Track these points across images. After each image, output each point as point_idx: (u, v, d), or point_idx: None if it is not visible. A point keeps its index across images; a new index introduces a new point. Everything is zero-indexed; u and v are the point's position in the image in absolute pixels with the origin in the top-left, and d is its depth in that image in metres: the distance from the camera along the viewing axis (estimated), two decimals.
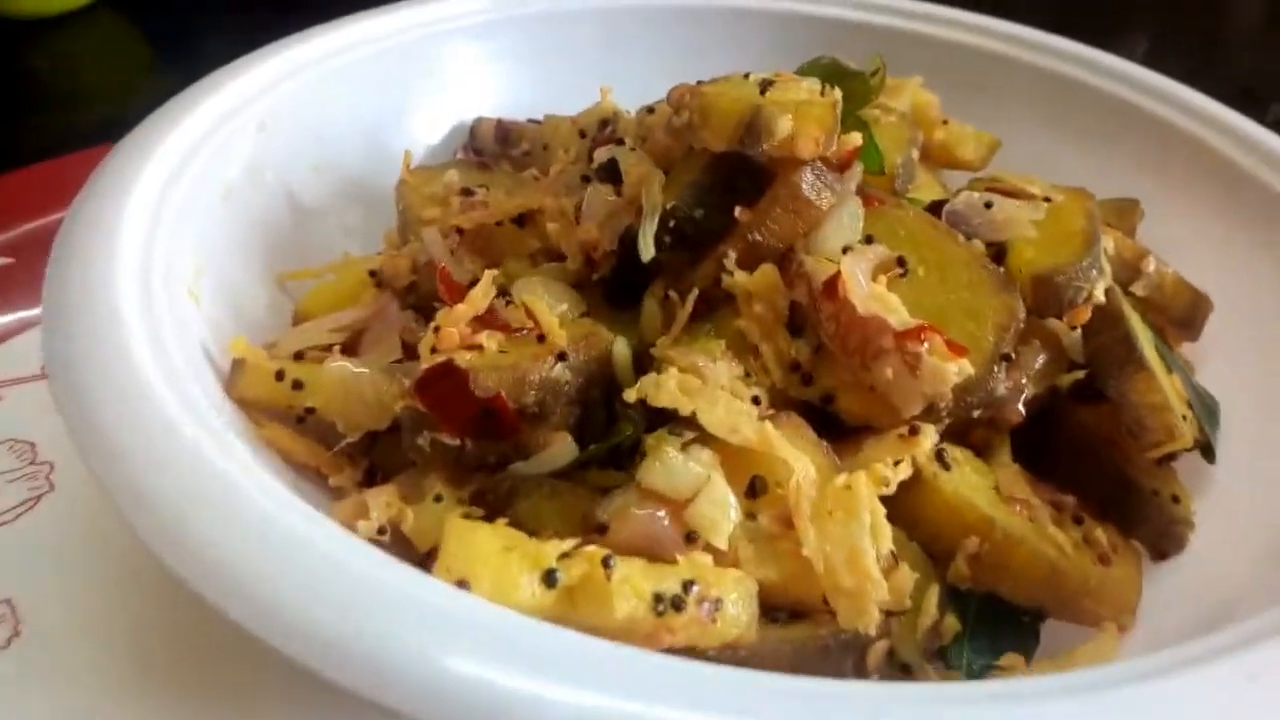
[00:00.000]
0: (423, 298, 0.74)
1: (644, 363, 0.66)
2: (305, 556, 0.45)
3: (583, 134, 0.82)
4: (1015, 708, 0.40)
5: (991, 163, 0.88)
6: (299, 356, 0.68)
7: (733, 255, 0.65)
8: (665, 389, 0.58)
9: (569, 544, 0.50)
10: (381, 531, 0.58)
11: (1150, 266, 0.76)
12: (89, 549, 0.73)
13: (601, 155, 0.73)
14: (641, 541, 0.53)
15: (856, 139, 0.66)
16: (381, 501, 0.59)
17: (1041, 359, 0.68)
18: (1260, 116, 0.89)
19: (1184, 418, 0.65)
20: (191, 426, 0.52)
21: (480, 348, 0.61)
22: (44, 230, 1.01)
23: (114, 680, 0.65)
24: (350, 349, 0.71)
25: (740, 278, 0.64)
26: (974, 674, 0.59)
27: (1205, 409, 0.71)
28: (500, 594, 0.46)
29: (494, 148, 0.94)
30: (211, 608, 0.44)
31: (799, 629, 0.54)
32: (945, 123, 0.88)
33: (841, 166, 0.66)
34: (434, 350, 0.61)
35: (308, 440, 0.65)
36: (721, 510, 0.54)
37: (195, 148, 0.74)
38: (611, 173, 0.72)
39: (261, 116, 0.81)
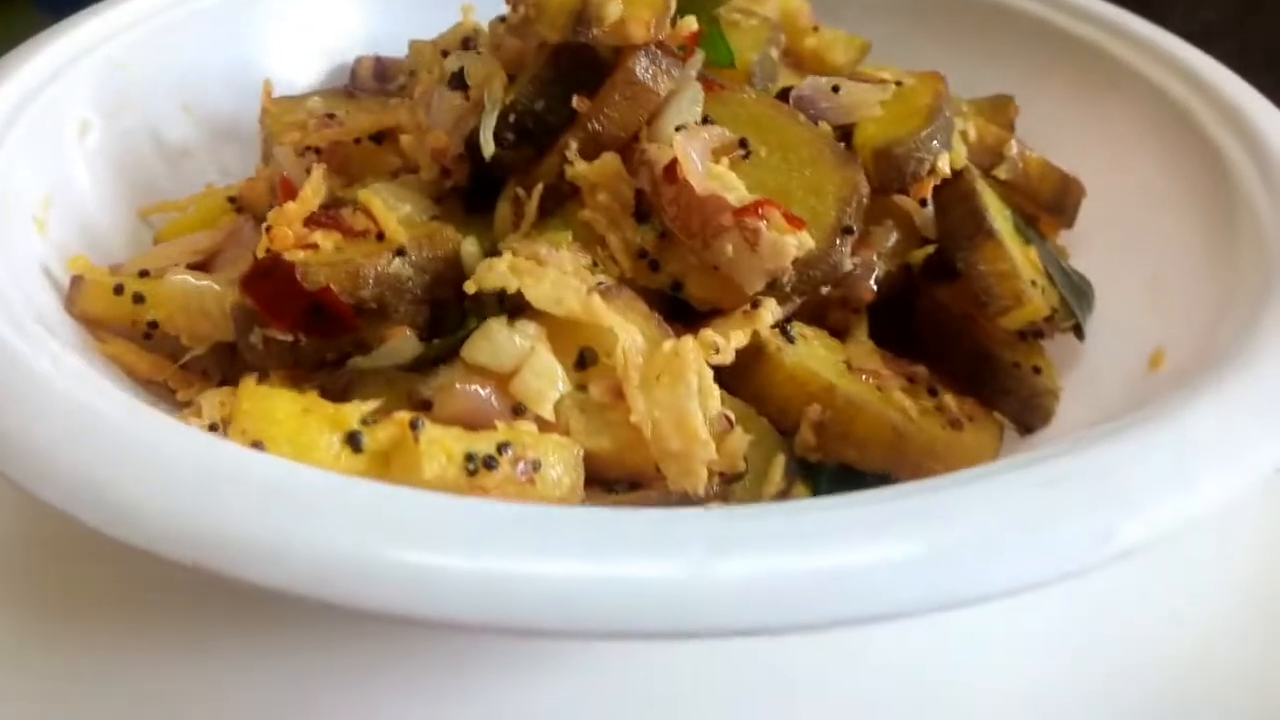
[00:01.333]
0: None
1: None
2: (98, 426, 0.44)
3: (445, 54, 0.82)
4: (803, 515, 0.40)
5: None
6: (144, 275, 0.67)
7: (574, 145, 0.64)
8: (495, 270, 0.57)
9: (371, 405, 0.49)
10: (213, 428, 0.57)
11: (1013, 150, 0.75)
12: None
13: (451, 64, 0.72)
14: (466, 416, 0.53)
15: (692, 24, 0.65)
16: (215, 401, 0.58)
17: (893, 237, 0.68)
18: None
19: (1034, 283, 0.65)
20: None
21: (315, 247, 0.61)
22: None
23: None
24: (203, 269, 0.70)
25: (582, 167, 0.63)
26: None
27: (1073, 288, 0.71)
28: (298, 455, 0.46)
29: (373, 84, 0.94)
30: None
31: (631, 497, 0.53)
32: (816, 29, 0.87)
33: (682, 54, 0.66)
34: (268, 252, 0.60)
35: (154, 355, 0.65)
36: (547, 380, 0.54)
37: (45, 83, 0.73)
38: (461, 82, 0.71)
39: (120, 55, 0.80)
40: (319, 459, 0.46)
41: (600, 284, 0.58)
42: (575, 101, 0.64)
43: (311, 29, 0.94)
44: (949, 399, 0.63)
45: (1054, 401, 0.67)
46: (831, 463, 0.60)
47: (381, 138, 0.76)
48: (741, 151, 0.64)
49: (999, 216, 0.67)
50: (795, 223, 0.60)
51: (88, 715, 0.58)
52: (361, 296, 0.59)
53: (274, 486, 0.39)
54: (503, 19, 0.76)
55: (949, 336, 0.67)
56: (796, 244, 0.59)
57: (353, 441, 0.47)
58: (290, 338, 0.58)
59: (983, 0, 0.93)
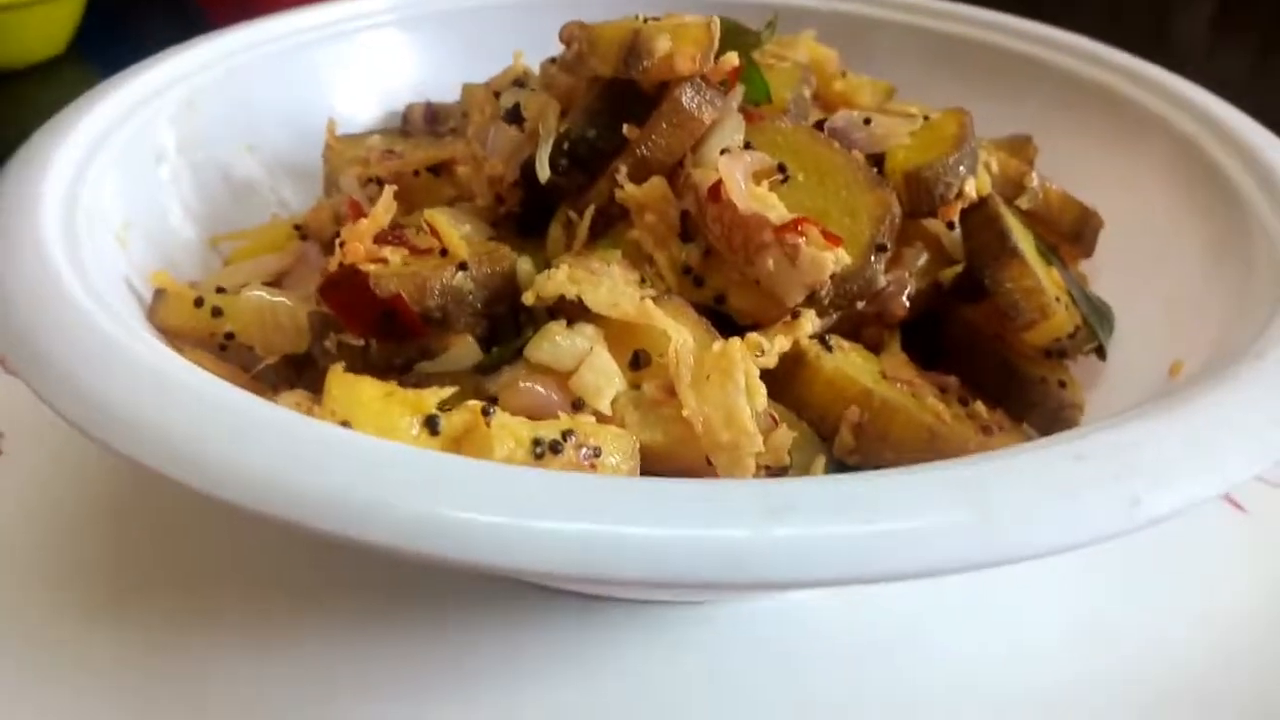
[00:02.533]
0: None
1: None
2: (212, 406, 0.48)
3: (496, 94, 0.87)
4: (840, 486, 0.43)
5: None
6: (220, 290, 0.71)
7: (624, 170, 0.69)
8: (554, 279, 0.61)
9: (448, 392, 0.53)
10: None
11: (1033, 182, 0.80)
12: (40, 515, 0.75)
13: (506, 100, 0.78)
14: (530, 409, 0.56)
15: (733, 59, 0.70)
16: (291, 400, 0.62)
17: (923, 258, 0.72)
18: None
19: (1058, 299, 0.68)
20: (108, 322, 0.55)
21: (384, 261, 0.65)
22: None
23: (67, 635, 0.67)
24: (273, 286, 0.74)
25: (631, 190, 0.68)
26: None
27: (1095, 310, 0.75)
28: (381, 434, 0.49)
29: (423, 128, 0.99)
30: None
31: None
32: (844, 75, 0.93)
33: (724, 88, 0.71)
34: (341, 265, 0.65)
35: (229, 365, 0.69)
36: (605, 377, 0.58)
37: (125, 116, 0.79)
38: (516, 116, 0.76)
39: (190, 95, 0.86)
40: (400, 439, 0.50)
41: (652, 293, 0.62)
42: (625, 129, 0.69)
43: (369, 75, 1.00)
44: (980, 407, 0.67)
45: (1078, 414, 0.70)
46: (869, 465, 0.64)
47: (439, 170, 0.81)
48: (780, 176, 0.69)
49: (1023, 239, 0.71)
50: (833, 240, 0.64)
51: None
52: (428, 306, 0.63)
53: (375, 453, 0.43)
54: (553, 60, 0.82)
55: (978, 352, 0.71)
56: (834, 259, 0.63)
57: (430, 424, 0.51)
58: (362, 342, 0.62)
59: (1002, 47, 0.99)
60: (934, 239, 0.73)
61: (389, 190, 0.67)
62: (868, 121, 0.74)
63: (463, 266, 0.65)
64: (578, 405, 0.57)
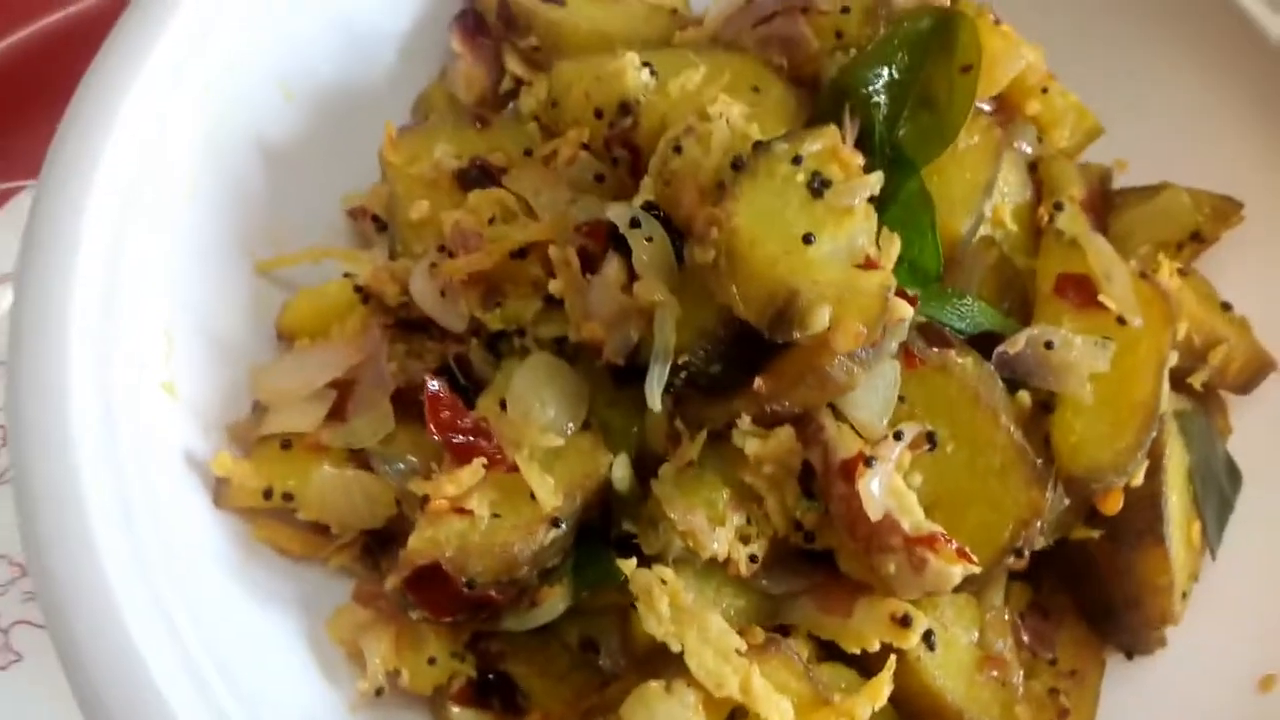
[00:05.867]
0: (413, 314, 0.69)
1: (645, 464, 0.64)
2: None
3: (598, 113, 0.68)
4: None
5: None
6: (286, 446, 0.65)
7: (747, 419, 0.59)
8: (657, 613, 0.57)
9: None
10: (379, 693, 0.61)
11: (1218, 358, 0.68)
12: None
13: (617, 216, 0.61)
14: None
15: (906, 310, 0.56)
16: (379, 654, 0.61)
17: (1063, 507, 0.64)
18: None
19: (1184, 595, 0.64)
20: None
21: (470, 514, 0.59)
22: None
23: None
24: (338, 409, 0.67)
25: (755, 447, 0.59)
26: None
27: (1218, 505, 0.69)
28: None
29: (498, 27, 0.78)
30: None
31: None
32: (1045, 91, 0.71)
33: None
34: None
35: (303, 534, 0.66)
36: None
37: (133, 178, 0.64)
38: (621, 242, 0.62)
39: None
40: None
41: (759, 641, 0.58)
42: (757, 384, 0.57)
43: None
44: (1063, 667, 0.66)
45: (1160, 645, 0.69)
46: None
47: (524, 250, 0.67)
48: (928, 446, 0.59)
49: (1175, 507, 0.64)
50: (965, 557, 0.58)
51: None
52: (517, 577, 0.59)
53: None
54: (677, 147, 0.63)
55: (1086, 582, 0.68)
56: (961, 573, 0.58)
57: None
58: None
59: None
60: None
61: (479, 464, 0.58)
62: (1049, 346, 0.61)
63: (555, 523, 0.60)
64: None
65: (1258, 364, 0.71)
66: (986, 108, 0.71)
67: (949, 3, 0.69)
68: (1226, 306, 0.74)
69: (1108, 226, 0.75)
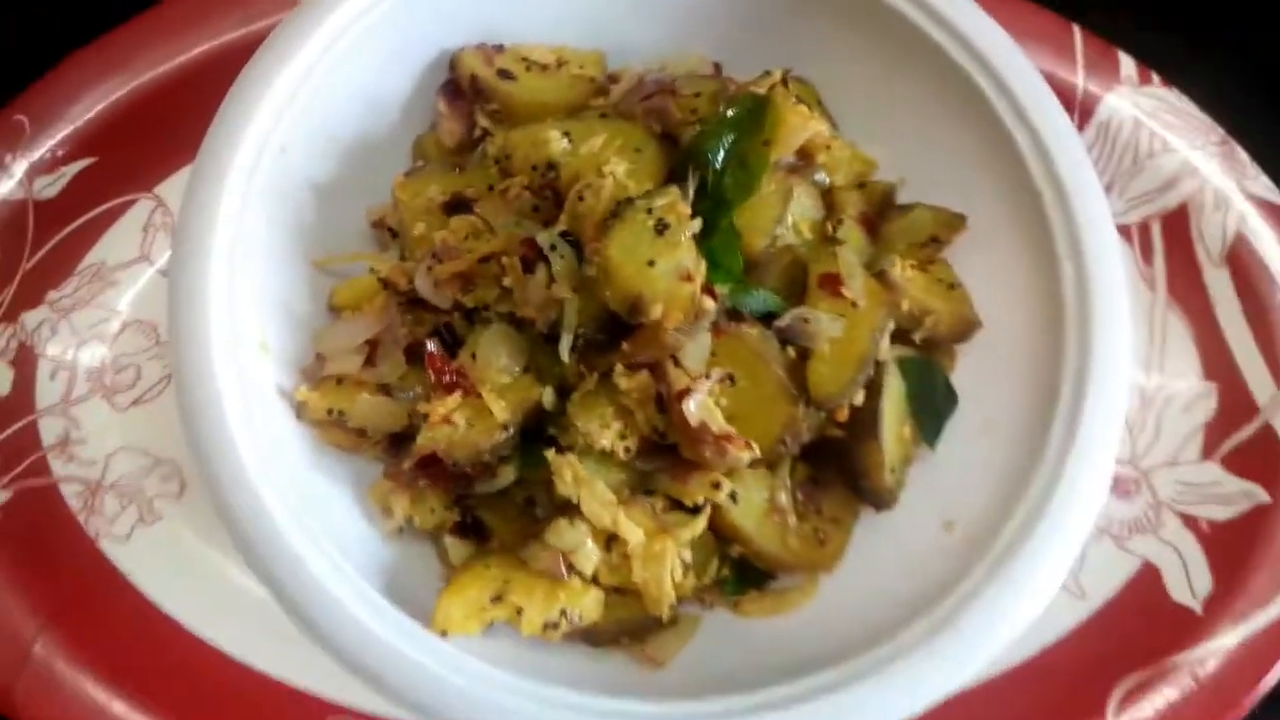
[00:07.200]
0: (417, 297, 1.07)
1: (563, 392, 1.03)
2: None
3: (535, 167, 1.05)
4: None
5: None
6: (340, 381, 1.04)
7: (620, 367, 0.98)
8: (566, 481, 0.97)
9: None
10: (400, 530, 1.02)
11: (930, 322, 1.07)
12: None
13: (543, 239, 0.99)
14: (546, 569, 0.98)
15: (710, 305, 0.94)
16: (400, 508, 1.02)
17: (819, 418, 1.04)
18: None
19: (893, 470, 1.04)
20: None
21: (454, 424, 0.99)
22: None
23: None
24: (371, 358, 1.06)
25: (625, 383, 0.98)
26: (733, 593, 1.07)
27: (932, 414, 1.09)
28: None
29: (470, 94, 1.15)
30: None
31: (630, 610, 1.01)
32: (828, 148, 1.09)
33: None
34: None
35: (352, 436, 1.05)
36: (589, 556, 0.98)
37: (244, 192, 1.01)
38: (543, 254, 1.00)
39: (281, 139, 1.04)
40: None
41: (626, 495, 0.98)
42: (624, 346, 0.96)
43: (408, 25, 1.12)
44: (830, 526, 1.06)
45: (895, 501, 1.09)
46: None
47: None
48: (729, 382, 0.99)
49: (890, 412, 1.03)
50: (749, 447, 0.98)
51: None
52: (484, 462, 0.99)
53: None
54: (580, 195, 1.00)
55: (842, 462, 1.08)
56: (748, 457, 0.98)
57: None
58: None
59: None
60: None
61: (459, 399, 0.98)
62: (807, 321, 1.00)
63: (505, 428, 0.99)
64: (571, 566, 0.98)
65: (963, 325, 1.10)
66: (791, 159, 1.09)
67: (764, 92, 1.06)
68: (953, 286, 1.13)
69: (879, 233, 1.14)
